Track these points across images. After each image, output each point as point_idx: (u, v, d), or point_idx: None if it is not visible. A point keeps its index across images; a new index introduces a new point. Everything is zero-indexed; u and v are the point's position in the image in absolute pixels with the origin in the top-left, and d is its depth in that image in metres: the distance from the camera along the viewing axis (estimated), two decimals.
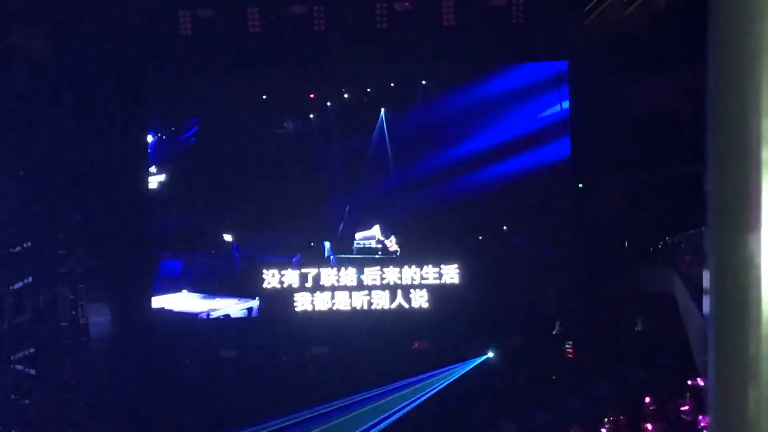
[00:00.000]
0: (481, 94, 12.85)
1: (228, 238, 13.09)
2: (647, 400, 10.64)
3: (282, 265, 12.97)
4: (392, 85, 13.01)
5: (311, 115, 13.11)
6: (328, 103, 13.02)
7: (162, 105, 13.10)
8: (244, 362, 12.74)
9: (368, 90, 13.10)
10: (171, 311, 12.96)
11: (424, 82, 12.93)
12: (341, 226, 13.15)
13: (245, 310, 13.13)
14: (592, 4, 11.58)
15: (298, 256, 13.08)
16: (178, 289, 13.07)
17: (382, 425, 12.25)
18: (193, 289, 13.18)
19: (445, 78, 13.01)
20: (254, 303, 13.06)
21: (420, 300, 13.02)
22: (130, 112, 12.57)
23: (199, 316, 13.05)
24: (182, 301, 13.07)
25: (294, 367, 12.67)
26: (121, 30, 11.64)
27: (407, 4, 11.69)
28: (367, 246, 13.17)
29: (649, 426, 10.26)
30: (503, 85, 12.91)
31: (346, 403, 12.37)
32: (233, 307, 13.11)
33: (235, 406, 12.07)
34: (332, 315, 13.02)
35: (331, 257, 13.18)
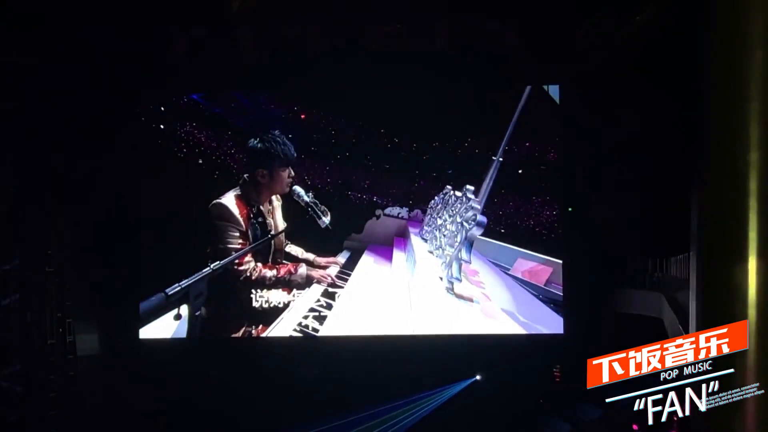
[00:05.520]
0: None
1: None
2: (635, 427, 10.57)
3: None
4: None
5: None
6: None
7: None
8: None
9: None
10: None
11: None
12: None
13: None
14: (583, 27, 11.67)
15: None
16: None
17: None
18: None
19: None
20: None
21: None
22: (124, 126, 12.55)
23: None
24: None
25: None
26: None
27: (399, 26, 11.70)
28: None
29: None
30: None
31: (335, 423, 12.30)
32: None
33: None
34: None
35: None
